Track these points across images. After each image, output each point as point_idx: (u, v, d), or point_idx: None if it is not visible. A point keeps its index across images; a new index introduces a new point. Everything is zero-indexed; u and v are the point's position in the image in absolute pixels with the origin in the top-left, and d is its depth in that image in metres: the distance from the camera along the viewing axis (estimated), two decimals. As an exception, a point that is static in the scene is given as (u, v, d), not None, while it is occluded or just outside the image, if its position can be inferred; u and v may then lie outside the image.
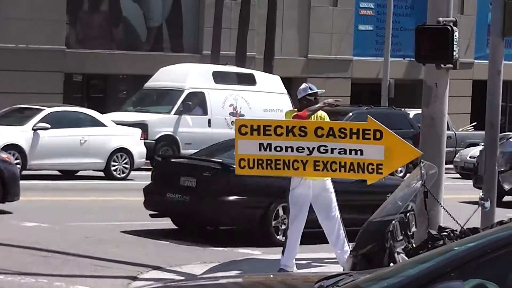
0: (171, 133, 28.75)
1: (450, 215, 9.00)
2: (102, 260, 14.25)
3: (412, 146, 13.12)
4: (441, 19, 12.52)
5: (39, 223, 17.28)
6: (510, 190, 9.31)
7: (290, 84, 36.72)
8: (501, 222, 7.92)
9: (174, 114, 28.81)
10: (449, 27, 12.26)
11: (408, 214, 9.06)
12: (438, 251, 6.27)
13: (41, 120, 25.01)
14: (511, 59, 36.07)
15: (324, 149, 12.31)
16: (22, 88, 33.01)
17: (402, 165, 14.28)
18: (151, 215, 17.12)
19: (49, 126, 24.78)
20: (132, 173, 26.00)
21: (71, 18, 36.03)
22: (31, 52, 33.97)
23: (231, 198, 15.55)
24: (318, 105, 12.95)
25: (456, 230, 8.50)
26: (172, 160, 20.23)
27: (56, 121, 25.26)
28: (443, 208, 10.45)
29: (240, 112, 29.90)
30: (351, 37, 43.15)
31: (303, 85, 13.44)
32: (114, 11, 37.34)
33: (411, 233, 9.12)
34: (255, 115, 28.22)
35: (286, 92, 31.33)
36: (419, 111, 18.83)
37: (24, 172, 23.73)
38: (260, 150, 12.53)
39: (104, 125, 26.01)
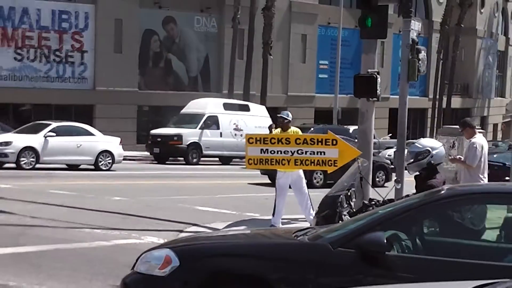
0: (197, 141, 36.09)
1: (376, 191, 10.29)
2: (160, 220, 16.13)
3: (355, 148, 14.64)
4: (369, 70, 14.02)
5: (120, 198, 19.51)
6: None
7: (276, 111, 42.52)
8: (407, 196, 9.03)
9: (199, 129, 36.07)
10: (374, 75, 13.70)
11: (350, 190, 10.46)
12: (369, 213, 7.35)
13: (50, 131, 28.26)
14: (413, 95, 47.86)
15: (300, 152, 14.41)
16: (109, 114, 40.80)
17: (349, 161, 14.08)
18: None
19: (55, 134, 28.19)
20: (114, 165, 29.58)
21: (141, 70, 43.86)
22: (117, 92, 41.49)
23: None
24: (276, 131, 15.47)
25: (379, 201, 9.80)
26: None
27: (61, 132, 28.42)
28: (372, 187, 11.71)
29: (239, 127, 36.81)
30: (314, 81, 51.78)
31: (288, 113, 15.78)
32: (168, 66, 45.80)
33: (352, 202, 10.51)
34: (249, 130, 33.09)
35: (269, 116, 36.99)
36: (356, 127, 19.45)
37: (38, 166, 27.59)
38: (261, 153, 14.66)
39: (94, 135, 29.71)
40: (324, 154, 14.26)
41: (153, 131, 36.59)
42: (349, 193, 10.42)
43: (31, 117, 39.49)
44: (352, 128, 37.31)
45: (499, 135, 71.79)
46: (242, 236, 8.12)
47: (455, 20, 58.94)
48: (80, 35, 41.79)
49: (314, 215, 11.45)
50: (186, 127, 35.98)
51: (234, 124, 36.92)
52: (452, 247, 6.81)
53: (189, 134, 35.62)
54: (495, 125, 73.30)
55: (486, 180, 13.34)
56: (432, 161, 9.85)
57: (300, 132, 15.60)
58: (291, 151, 14.48)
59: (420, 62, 13.76)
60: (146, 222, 15.92)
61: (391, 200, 9.35)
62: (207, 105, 37.34)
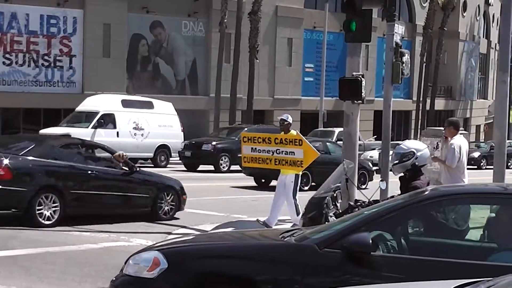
0: None
1: (362, 192, 10.31)
2: (149, 222, 16.11)
3: (314, 149, 15.47)
4: (354, 73, 14.14)
5: None
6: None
7: (263, 114, 47.81)
8: (392, 197, 8.89)
9: (91, 128, 31.77)
10: (359, 78, 13.84)
11: (336, 192, 10.47)
12: (354, 214, 7.41)
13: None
14: (397, 97, 48.89)
15: (278, 151, 15.03)
16: None
17: (310, 162, 14.96)
18: None
19: None
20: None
21: (129, 74, 44.09)
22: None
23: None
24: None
25: (365, 202, 9.74)
26: None
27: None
28: (357, 188, 11.70)
29: (140, 127, 33.37)
30: (300, 84, 52.15)
31: (288, 116, 15.89)
32: (156, 70, 45.94)
33: (338, 204, 10.54)
34: (152, 130, 33.20)
35: (176, 114, 34.65)
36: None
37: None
38: (251, 151, 15.47)
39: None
40: (294, 154, 14.71)
41: (42, 131, 31.69)
42: (335, 195, 10.49)
43: (20, 122, 39.84)
44: (337, 130, 38.97)
45: (482, 136, 72.64)
46: (230, 238, 8.19)
47: (438, 24, 59.52)
48: (69, 39, 41.91)
49: (300, 216, 11.51)
50: (77, 126, 32.01)
51: (134, 122, 33.32)
52: (436, 247, 6.89)
53: (79, 134, 29.25)
54: (477, 127, 73.96)
55: (466, 180, 13.45)
56: (417, 163, 9.94)
57: (293, 133, 15.75)
58: (272, 151, 14.90)
59: (403, 65, 13.82)
60: (134, 224, 15.89)
61: (376, 201, 9.43)
62: (102, 102, 33.62)
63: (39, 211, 14.85)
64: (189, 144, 33.61)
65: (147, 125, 33.53)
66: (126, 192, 16.25)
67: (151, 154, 33.53)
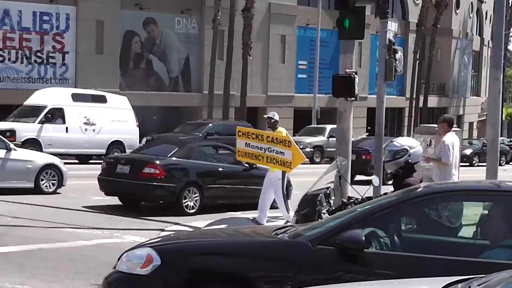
0: (35, 137, 30.03)
1: (354, 189, 10.23)
2: (142, 219, 16.37)
3: (301, 153, 15.65)
4: (347, 70, 14.12)
5: (102, 197, 19.03)
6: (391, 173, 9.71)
7: (256, 111, 47.01)
8: (385, 193, 8.90)
9: (38, 123, 30.42)
10: (352, 75, 13.86)
11: (329, 189, 10.37)
12: (347, 211, 7.42)
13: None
14: (390, 94, 48.60)
15: (270, 150, 15.18)
16: None
17: (297, 165, 15.27)
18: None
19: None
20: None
21: (122, 71, 44.00)
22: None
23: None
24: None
25: (358, 198, 9.73)
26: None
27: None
28: (350, 185, 11.46)
29: (92, 122, 32.01)
30: (293, 81, 52.14)
31: (275, 113, 16.44)
32: (149, 67, 45.89)
33: (332, 200, 10.41)
34: (105, 125, 31.95)
35: (131, 108, 33.56)
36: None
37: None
38: (245, 146, 15.65)
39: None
40: (284, 154, 14.93)
41: None
42: (328, 192, 10.40)
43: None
44: (330, 127, 39.44)
45: (475, 133, 72.93)
46: (223, 235, 8.21)
47: (431, 21, 59.53)
48: (62, 36, 41.84)
49: (294, 213, 11.25)
50: (23, 121, 30.73)
51: (85, 117, 31.94)
52: (429, 244, 6.89)
53: (25, 129, 29.86)
54: (470, 124, 74.15)
55: (456, 177, 13.50)
56: (410, 160, 9.95)
57: (284, 132, 15.93)
58: (264, 148, 15.10)
59: (397, 62, 13.84)
60: (128, 221, 16.01)
61: (369, 198, 9.45)
62: (51, 96, 32.11)
63: (185, 203, 17.69)
64: (151, 139, 32.65)
65: (99, 120, 32.29)
66: (246, 185, 18.54)
67: (103, 151, 31.88)
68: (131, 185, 17.58)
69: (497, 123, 14.74)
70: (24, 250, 12.23)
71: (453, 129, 14.22)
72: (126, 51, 44.46)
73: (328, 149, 37.86)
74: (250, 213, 16.37)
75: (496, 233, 6.75)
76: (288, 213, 15.31)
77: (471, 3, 72.06)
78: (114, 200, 18.85)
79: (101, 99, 33.14)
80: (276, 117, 16.05)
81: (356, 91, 13.97)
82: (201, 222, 15.91)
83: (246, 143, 15.45)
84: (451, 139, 13.59)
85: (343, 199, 10.26)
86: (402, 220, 7.10)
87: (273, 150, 15.00)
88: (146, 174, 17.44)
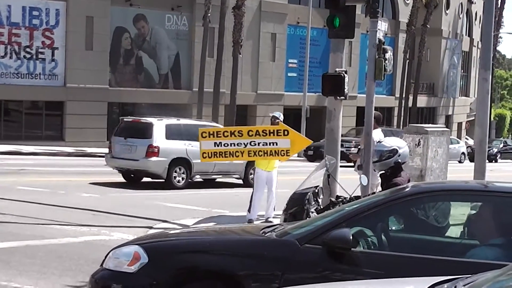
0: None
1: (343, 188, 10.42)
2: (130, 216, 16.23)
3: (305, 137, 15.82)
4: (337, 69, 14.22)
5: (90, 194, 19.51)
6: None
7: (246, 109, 48.30)
8: (373, 193, 9.24)
9: None
10: (342, 74, 13.92)
11: (318, 187, 10.51)
12: (335, 210, 7.50)
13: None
14: (380, 94, 49.22)
15: (253, 143, 14.84)
16: (79, 111, 41.40)
17: (300, 150, 15.22)
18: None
19: None
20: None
21: (112, 68, 44.02)
22: (88, 89, 41.68)
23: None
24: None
25: (346, 197, 9.91)
26: None
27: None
28: (339, 184, 11.73)
29: None
30: (283, 80, 52.18)
31: (280, 114, 16.84)
32: (139, 64, 45.78)
33: (320, 199, 10.58)
34: None
35: None
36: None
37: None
38: (214, 146, 15.02)
39: None
40: (277, 144, 14.68)
41: None
42: (316, 190, 10.47)
43: (1, 114, 39.67)
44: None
45: (463, 134, 73.45)
46: (211, 233, 8.18)
47: (421, 21, 59.89)
48: (51, 32, 41.67)
49: (282, 212, 11.40)
50: None
51: None
52: (416, 243, 6.91)
53: None
54: (459, 124, 74.48)
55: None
56: (399, 160, 9.98)
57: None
58: (244, 143, 14.84)
59: (386, 61, 13.82)
60: (115, 218, 16.01)
61: (357, 197, 9.45)
62: None
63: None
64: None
65: None
66: None
67: None
68: None
69: (485, 124, 14.77)
70: (11, 247, 12.20)
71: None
72: (116, 47, 44.38)
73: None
74: (239, 212, 16.33)
75: (483, 233, 6.76)
76: (250, 212, 15.61)
77: (461, 3, 72.35)
78: (103, 197, 18.76)
79: None
80: (281, 118, 16.12)
81: (345, 90, 14.01)
82: (190, 220, 15.89)
83: (216, 143, 14.96)
84: (377, 135, 13.90)
85: (332, 198, 10.29)
86: (389, 220, 7.12)
87: (259, 143, 14.74)
88: None
